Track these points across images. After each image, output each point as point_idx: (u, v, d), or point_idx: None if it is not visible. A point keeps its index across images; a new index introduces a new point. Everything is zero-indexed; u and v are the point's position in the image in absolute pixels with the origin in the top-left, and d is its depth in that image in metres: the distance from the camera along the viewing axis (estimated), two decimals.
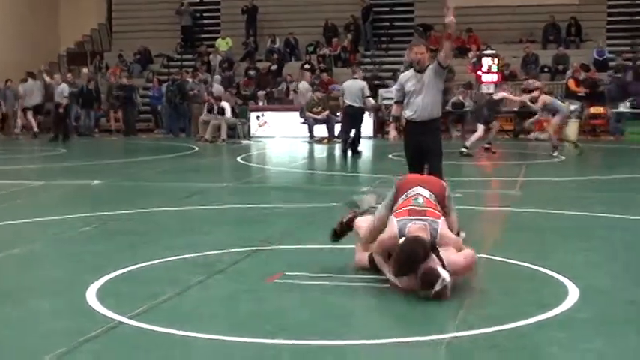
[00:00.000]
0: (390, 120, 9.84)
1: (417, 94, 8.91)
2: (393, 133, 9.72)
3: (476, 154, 18.12)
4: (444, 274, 5.92)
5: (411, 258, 5.98)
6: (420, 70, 8.94)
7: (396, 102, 9.42)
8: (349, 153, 18.26)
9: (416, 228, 6.25)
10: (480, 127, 18.23)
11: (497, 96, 19.07)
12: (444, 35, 9.05)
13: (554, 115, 17.96)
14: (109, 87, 27.40)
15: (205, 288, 6.47)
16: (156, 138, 25.37)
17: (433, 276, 5.92)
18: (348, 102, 18.89)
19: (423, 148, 8.99)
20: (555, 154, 17.50)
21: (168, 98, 25.86)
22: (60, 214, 10.07)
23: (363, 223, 6.94)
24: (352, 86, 18.99)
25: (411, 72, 9.13)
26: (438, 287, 5.88)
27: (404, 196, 6.57)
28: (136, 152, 20.76)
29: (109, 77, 28.48)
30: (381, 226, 6.60)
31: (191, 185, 13.11)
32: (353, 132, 18.62)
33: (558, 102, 18.70)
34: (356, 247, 6.98)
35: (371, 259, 6.61)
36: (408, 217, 6.35)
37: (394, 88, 9.41)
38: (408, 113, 9.08)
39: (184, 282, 6.52)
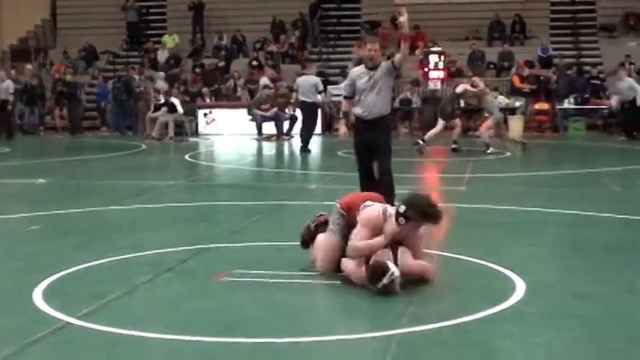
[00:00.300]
0: (340, 116, 9.79)
1: (369, 91, 8.86)
2: (342, 129, 9.65)
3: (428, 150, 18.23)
4: (393, 269, 5.94)
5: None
6: (372, 67, 8.88)
7: (345, 97, 9.31)
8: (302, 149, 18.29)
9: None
10: (440, 123, 18.19)
11: (459, 89, 19.17)
12: (400, 35, 9.22)
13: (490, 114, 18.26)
14: (53, 84, 27.04)
15: (153, 287, 6.42)
16: (102, 136, 25.10)
17: (381, 269, 5.95)
18: (301, 98, 18.91)
19: (372, 145, 8.96)
20: (489, 150, 17.61)
21: (114, 95, 25.57)
22: (4, 213, 9.91)
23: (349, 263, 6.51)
24: (305, 82, 19.03)
25: (362, 68, 9.04)
26: (385, 281, 5.90)
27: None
28: (82, 150, 20.51)
29: (53, 74, 28.10)
30: (337, 254, 6.46)
31: (138, 183, 13.00)
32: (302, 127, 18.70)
33: (496, 107, 18.96)
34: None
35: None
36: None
37: (344, 83, 9.42)
38: (358, 110, 9.02)
39: (132, 281, 6.46)
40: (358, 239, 6.26)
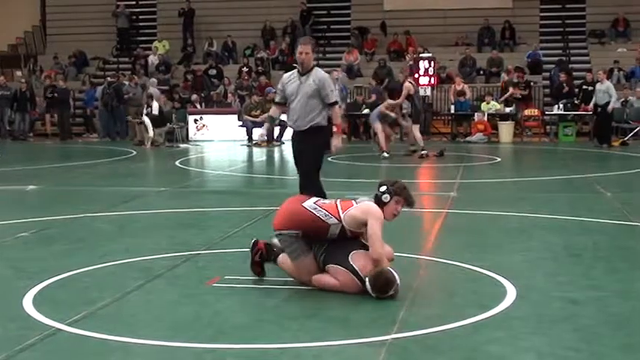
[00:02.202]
0: (267, 120, 9.08)
1: (298, 98, 8.20)
2: (261, 131, 9.33)
3: (413, 157, 18.28)
4: (397, 279, 6.04)
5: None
6: (303, 73, 8.22)
7: (275, 103, 8.70)
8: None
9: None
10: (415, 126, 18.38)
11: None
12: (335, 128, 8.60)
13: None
14: (44, 90, 26.99)
15: (144, 293, 6.41)
16: (92, 142, 25.06)
17: (390, 281, 6.05)
18: None
19: (297, 158, 8.45)
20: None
21: (104, 102, 25.53)
22: None
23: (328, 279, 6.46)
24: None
25: (294, 73, 8.36)
26: (392, 292, 6.04)
27: (319, 216, 6.40)
28: (72, 156, 20.47)
29: (43, 80, 28.05)
30: (314, 267, 6.40)
31: (129, 190, 12.97)
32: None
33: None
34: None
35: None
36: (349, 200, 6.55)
37: (277, 87, 8.72)
38: (288, 119, 8.42)
39: (122, 287, 6.45)
40: (379, 233, 6.21)
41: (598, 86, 21.24)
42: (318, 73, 8.28)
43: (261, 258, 6.72)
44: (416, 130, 18.30)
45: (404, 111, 19.00)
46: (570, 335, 5.27)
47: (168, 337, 5.18)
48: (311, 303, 6.06)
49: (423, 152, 18.06)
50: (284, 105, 8.43)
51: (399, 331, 5.29)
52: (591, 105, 21.80)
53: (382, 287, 6.06)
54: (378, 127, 18.70)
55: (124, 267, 7.21)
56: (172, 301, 6.11)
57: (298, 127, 8.27)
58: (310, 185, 8.12)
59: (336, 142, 8.62)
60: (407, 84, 18.03)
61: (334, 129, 8.59)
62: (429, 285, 6.59)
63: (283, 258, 6.62)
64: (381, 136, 18.44)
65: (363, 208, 6.36)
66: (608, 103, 20.93)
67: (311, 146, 8.28)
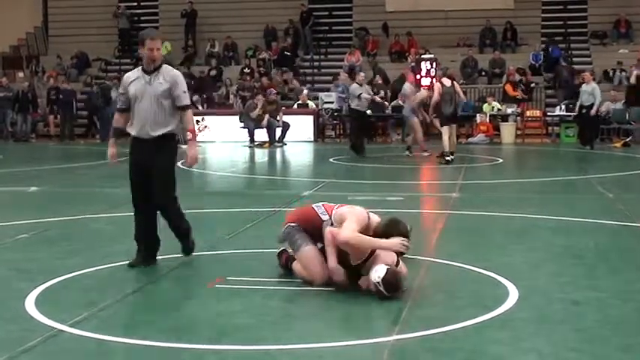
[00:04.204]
0: (111, 134, 7.59)
1: (145, 100, 7.05)
2: (111, 149, 7.52)
3: (415, 157, 18.25)
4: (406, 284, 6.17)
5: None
6: (151, 71, 7.10)
7: (120, 110, 7.35)
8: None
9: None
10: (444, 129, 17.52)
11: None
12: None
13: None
14: (48, 91, 27.01)
15: (145, 294, 6.41)
16: (94, 143, 25.06)
17: (400, 283, 6.11)
18: (352, 106, 19.01)
19: (149, 171, 7.18)
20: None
21: (92, 103, 25.60)
22: None
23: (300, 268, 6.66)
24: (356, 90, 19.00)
25: (137, 72, 7.21)
26: (399, 295, 6.07)
27: (318, 212, 6.62)
28: (74, 158, 20.48)
29: (46, 81, 28.07)
30: (317, 259, 6.46)
31: (129, 191, 12.94)
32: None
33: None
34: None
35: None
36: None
37: (119, 92, 7.47)
38: (130, 126, 7.23)
39: (124, 289, 6.45)
40: (354, 229, 6.24)
41: (584, 87, 21.09)
42: (169, 70, 7.19)
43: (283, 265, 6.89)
44: (445, 132, 17.10)
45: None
46: (572, 336, 5.26)
47: (170, 338, 5.18)
48: (313, 304, 6.06)
49: (448, 157, 16.77)
50: (129, 111, 7.21)
51: (401, 332, 5.29)
52: (577, 107, 21.65)
53: (392, 285, 6.03)
54: (415, 121, 18.60)
55: (126, 268, 7.20)
56: (174, 302, 6.11)
57: (147, 135, 7.08)
58: (172, 208, 7.28)
59: (193, 151, 7.37)
60: (437, 84, 17.36)
61: (188, 136, 7.32)
62: (431, 286, 6.59)
63: (295, 267, 6.68)
64: (419, 133, 18.32)
65: (352, 208, 6.45)
66: (592, 105, 20.84)
67: (167, 158, 7.21)
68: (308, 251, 6.49)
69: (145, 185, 7.18)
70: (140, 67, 7.19)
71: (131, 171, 7.29)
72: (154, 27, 31.28)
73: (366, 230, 6.34)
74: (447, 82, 16.92)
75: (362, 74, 20.02)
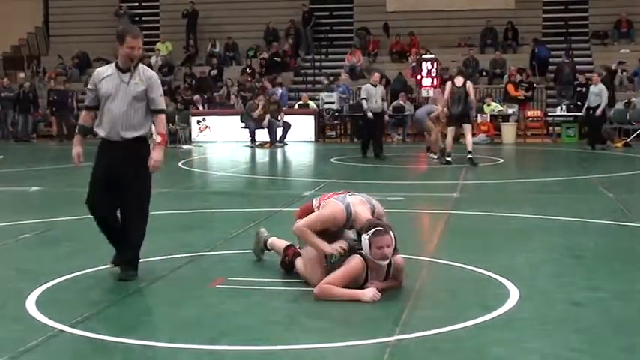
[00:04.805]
0: (77, 132, 7.17)
1: (118, 100, 6.66)
2: (76, 149, 7.06)
3: (419, 158, 18.25)
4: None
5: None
6: (127, 69, 6.72)
7: (87, 107, 6.97)
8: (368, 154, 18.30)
9: (357, 200, 6.51)
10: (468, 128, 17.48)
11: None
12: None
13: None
14: (48, 92, 27.02)
15: (146, 295, 6.41)
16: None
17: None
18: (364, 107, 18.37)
19: (118, 177, 6.74)
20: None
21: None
22: None
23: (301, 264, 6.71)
24: (378, 92, 18.43)
25: (110, 68, 6.81)
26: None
27: (313, 205, 6.70)
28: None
29: (47, 82, 28.09)
30: (318, 260, 6.46)
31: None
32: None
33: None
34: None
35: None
36: (341, 194, 6.59)
37: (88, 87, 7.01)
38: (99, 128, 6.83)
39: (125, 289, 6.46)
40: (304, 224, 6.45)
41: (591, 88, 21.12)
42: (145, 70, 6.82)
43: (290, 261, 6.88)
44: (449, 132, 17.09)
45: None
46: (573, 336, 5.27)
47: (171, 338, 5.19)
48: (314, 304, 6.05)
49: (449, 158, 16.85)
50: (97, 109, 6.83)
51: (402, 332, 5.29)
52: (584, 108, 21.66)
53: (375, 224, 6.16)
54: (430, 125, 18.55)
55: None
56: (175, 303, 6.11)
57: (117, 137, 6.69)
58: (141, 219, 6.81)
59: (158, 155, 6.80)
60: (448, 83, 17.08)
61: (158, 139, 6.78)
62: (432, 286, 6.59)
63: (298, 262, 6.71)
64: (434, 135, 18.17)
65: (330, 204, 6.51)
66: (599, 106, 20.84)
67: (140, 163, 6.73)
68: (312, 251, 6.50)
69: (111, 191, 6.75)
70: (114, 64, 6.81)
71: (96, 175, 6.89)
72: (155, 27, 31.76)
73: (342, 224, 6.42)
74: (458, 81, 16.66)
75: (376, 74, 19.37)
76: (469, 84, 16.76)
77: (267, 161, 19.51)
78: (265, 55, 29.07)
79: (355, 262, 6.18)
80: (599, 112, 20.77)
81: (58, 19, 32.75)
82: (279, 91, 25.66)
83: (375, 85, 18.50)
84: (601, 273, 7.09)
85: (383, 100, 18.53)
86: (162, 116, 6.84)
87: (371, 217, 6.40)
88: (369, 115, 18.04)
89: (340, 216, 6.42)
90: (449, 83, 16.95)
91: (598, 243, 8.42)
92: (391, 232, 6.15)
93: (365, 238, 6.13)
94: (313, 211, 6.63)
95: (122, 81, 6.66)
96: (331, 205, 6.50)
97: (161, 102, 6.84)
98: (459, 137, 19.41)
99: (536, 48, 27.59)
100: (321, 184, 13.54)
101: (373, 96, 18.20)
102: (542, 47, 27.64)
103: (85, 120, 7.00)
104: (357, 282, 6.17)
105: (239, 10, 30.76)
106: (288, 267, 6.88)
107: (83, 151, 7.00)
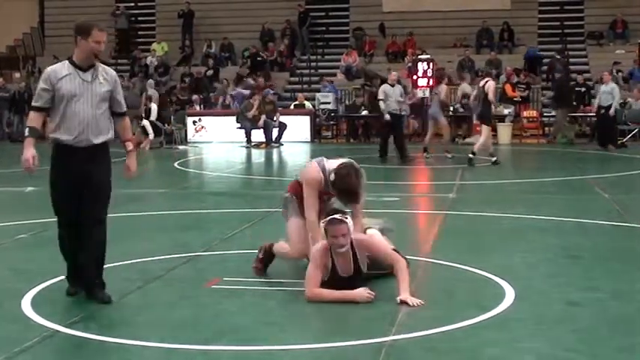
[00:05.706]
0: (26, 134, 6.51)
1: (79, 101, 6.05)
2: (28, 151, 6.46)
3: (416, 158, 18.23)
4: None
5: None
6: (85, 68, 6.12)
7: (37, 109, 6.24)
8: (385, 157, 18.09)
9: (333, 161, 6.71)
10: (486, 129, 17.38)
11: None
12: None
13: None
14: None
15: (142, 295, 6.40)
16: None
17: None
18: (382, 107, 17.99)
19: (85, 182, 6.23)
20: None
21: None
22: None
23: (284, 245, 6.96)
24: (395, 92, 18.05)
25: (67, 67, 6.15)
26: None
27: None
28: None
29: None
30: (306, 232, 6.65)
31: (127, 191, 12.94)
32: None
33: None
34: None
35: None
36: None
37: (40, 87, 6.22)
38: (59, 132, 6.28)
39: (121, 289, 6.44)
40: (310, 205, 6.58)
41: (603, 87, 21.08)
42: (107, 69, 6.29)
43: (265, 256, 6.99)
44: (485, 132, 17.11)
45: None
46: (569, 337, 5.27)
47: (167, 338, 5.18)
48: (310, 304, 6.05)
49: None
50: (47, 110, 6.23)
51: (398, 332, 5.29)
52: (595, 107, 21.68)
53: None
54: (443, 121, 18.51)
55: (123, 269, 7.20)
56: (171, 303, 6.10)
57: (86, 143, 6.15)
58: (104, 231, 6.33)
59: (134, 165, 6.47)
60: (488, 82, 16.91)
61: (129, 147, 6.42)
62: (428, 286, 6.59)
63: (278, 245, 6.93)
64: (447, 135, 18.19)
65: (305, 168, 6.82)
66: (611, 105, 20.86)
67: (107, 170, 6.32)
68: (295, 223, 6.77)
69: (80, 199, 6.26)
70: (67, 62, 6.19)
71: (60, 183, 6.40)
72: (151, 27, 31.72)
73: (323, 181, 6.59)
74: (480, 82, 16.94)
75: (394, 73, 19.02)
76: (489, 84, 16.73)
77: (263, 161, 19.51)
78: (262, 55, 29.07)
79: (315, 247, 6.30)
80: (612, 111, 20.78)
81: (53, 20, 32.68)
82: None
83: (392, 85, 18.10)
84: (597, 273, 7.09)
85: (401, 100, 18.14)
86: (127, 119, 6.46)
87: (340, 164, 6.57)
88: (387, 116, 17.82)
89: (317, 174, 6.61)
90: (488, 81, 16.83)
91: (594, 243, 8.43)
92: (347, 221, 6.18)
93: (321, 225, 6.29)
94: (299, 183, 6.81)
95: (85, 80, 6.05)
96: (306, 171, 6.75)
97: (124, 104, 6.38)
98: (455, 137, 19.46)
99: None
100: None
101: (391, 96, 17.85)
102: (529, 47, 27.83)
103: (35, 121, 6.28)
104: (327, 267, 6.22)
105: (235, 11, 30.74)
106: (266, 260, 6.97)
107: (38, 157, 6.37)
